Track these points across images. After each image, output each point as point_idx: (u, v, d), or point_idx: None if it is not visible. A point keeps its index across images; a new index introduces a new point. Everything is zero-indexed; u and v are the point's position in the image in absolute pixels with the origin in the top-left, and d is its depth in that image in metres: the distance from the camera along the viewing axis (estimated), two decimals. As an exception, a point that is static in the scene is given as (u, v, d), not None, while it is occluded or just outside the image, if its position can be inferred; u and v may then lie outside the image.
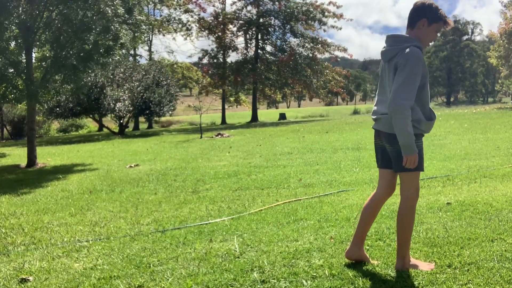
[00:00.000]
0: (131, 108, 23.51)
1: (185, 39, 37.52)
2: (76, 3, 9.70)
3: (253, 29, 36.12)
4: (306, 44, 35.66)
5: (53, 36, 10.18)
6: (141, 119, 32.88)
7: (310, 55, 35.67)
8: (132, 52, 34.67)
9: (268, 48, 37.11)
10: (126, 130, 27.10)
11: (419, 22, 2.90)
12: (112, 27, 10.01)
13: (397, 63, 2.80)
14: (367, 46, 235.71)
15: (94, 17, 9.95)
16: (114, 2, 10.02)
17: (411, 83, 2.74)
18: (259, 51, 36.36)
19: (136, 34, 12.53)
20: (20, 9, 9.86)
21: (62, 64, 10.02)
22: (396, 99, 2.73)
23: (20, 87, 10.74)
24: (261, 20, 35.63)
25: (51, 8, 10.11)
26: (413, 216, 2.95)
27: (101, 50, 10.22)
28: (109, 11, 9.85)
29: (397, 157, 2.86)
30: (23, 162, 11.30)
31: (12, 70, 10.50)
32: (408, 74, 2.74)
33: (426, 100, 2.90)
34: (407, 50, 2.78)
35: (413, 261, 2.99)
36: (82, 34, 9.95)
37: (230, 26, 36.28)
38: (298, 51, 35.64)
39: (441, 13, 2.89)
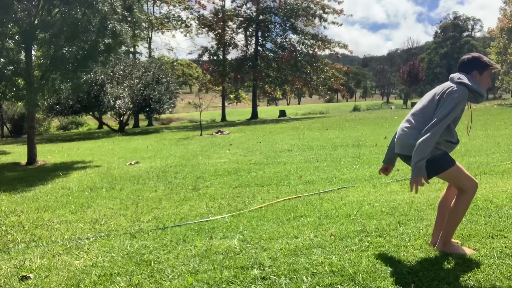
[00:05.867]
0: (131, 106, 23.50)
1: (185, 35, 37.52)
2: (76, 2, 9.67)
3: (253, 26, 36.08)
4: (307, 41, 35.60)
5: (53, 35, 10.16)
6: (141, 116, 32.86)
7: (311, 52, 35.62)
8: (131, 49, 34.63)
9: (268, 45, 37.11)
10: (126, 127, 27.08)
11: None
12: (111, 25, 9.98)
13: None
14: (357, 42, 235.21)
15: (93, 16, 9.92)
16: (112, 0, 9.99)
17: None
18: (259, 48, 36.32)
19: (136, 32, 12.49)
20: (20, 7, 9.83)
21: (61, 62, 10.00)
22: None
23: (20, 85, 10.73)
24: (261, 17, 35.58)
25: (50, 7, 10.08)
26: (466, 209, 3.14)
27: (100, 49, 10.20)
28: (108, 10, 9.82)
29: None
30: (23, 160, 11.31)
31: (11, 68, 10.48)
32: None
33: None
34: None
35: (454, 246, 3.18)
36: (81, 33, 9.92)
37: (230, 23, 36.26)
38: (298, 48, 35.61)
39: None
